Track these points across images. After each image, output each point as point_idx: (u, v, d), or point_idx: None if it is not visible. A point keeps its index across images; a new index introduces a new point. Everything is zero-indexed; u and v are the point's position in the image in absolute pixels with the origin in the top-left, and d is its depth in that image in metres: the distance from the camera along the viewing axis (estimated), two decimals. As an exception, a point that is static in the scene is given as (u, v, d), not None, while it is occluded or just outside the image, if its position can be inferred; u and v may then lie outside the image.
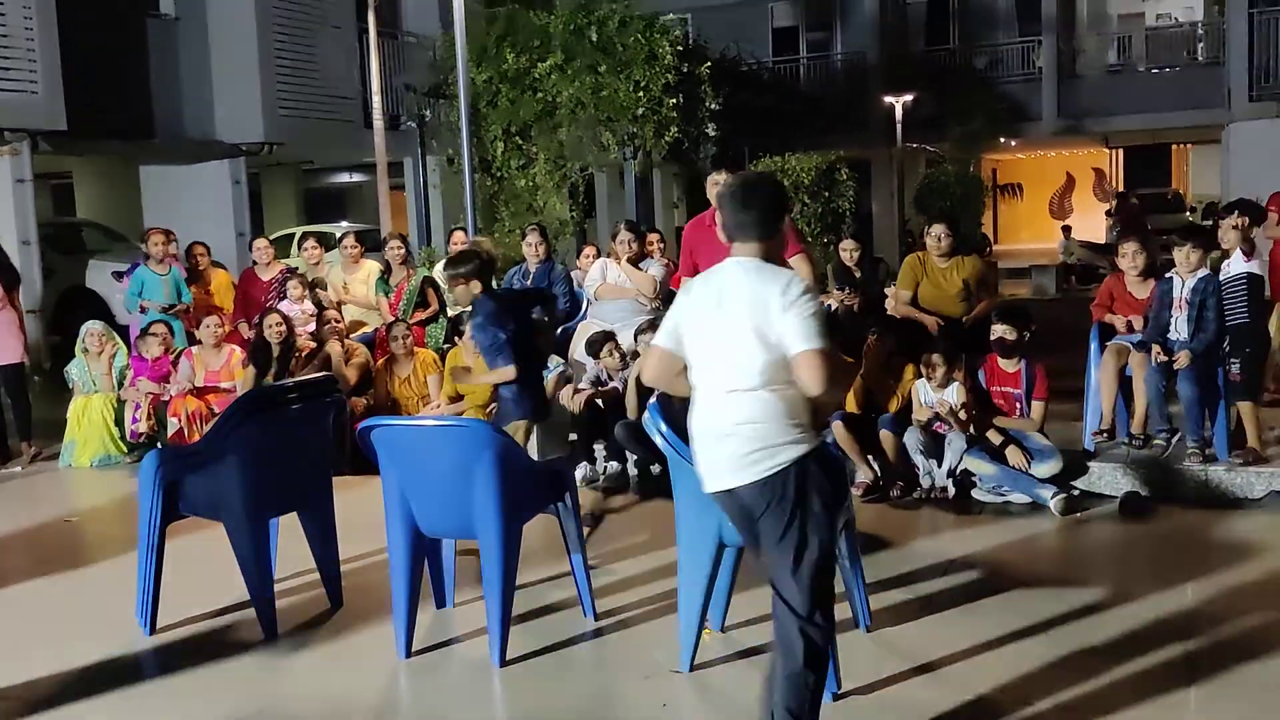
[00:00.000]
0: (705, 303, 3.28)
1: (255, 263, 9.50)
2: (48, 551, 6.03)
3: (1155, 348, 6.27)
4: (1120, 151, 30.50)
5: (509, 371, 5.13)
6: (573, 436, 7.09)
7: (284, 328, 7.83)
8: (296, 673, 4.37)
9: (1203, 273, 6.34)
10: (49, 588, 5.40)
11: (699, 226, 5.67)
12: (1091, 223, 28.77)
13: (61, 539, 6.35)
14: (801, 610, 3.25)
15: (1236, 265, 6.25)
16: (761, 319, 3.14)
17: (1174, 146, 29.97)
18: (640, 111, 10.98)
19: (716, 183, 5.51)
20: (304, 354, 8.02)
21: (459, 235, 9.24)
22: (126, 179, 17.27)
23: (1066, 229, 22.88)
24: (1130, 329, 6.69)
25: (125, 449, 8.01)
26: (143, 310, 9.05)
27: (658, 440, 3.95)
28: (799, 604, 3.25)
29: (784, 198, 3.50)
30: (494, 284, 5.44)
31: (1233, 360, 6.12)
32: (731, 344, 3.19)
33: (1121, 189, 29.24)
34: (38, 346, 12.76)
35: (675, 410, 4.06)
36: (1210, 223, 23.31)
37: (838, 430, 6.38)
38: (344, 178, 27.16)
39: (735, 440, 3.20)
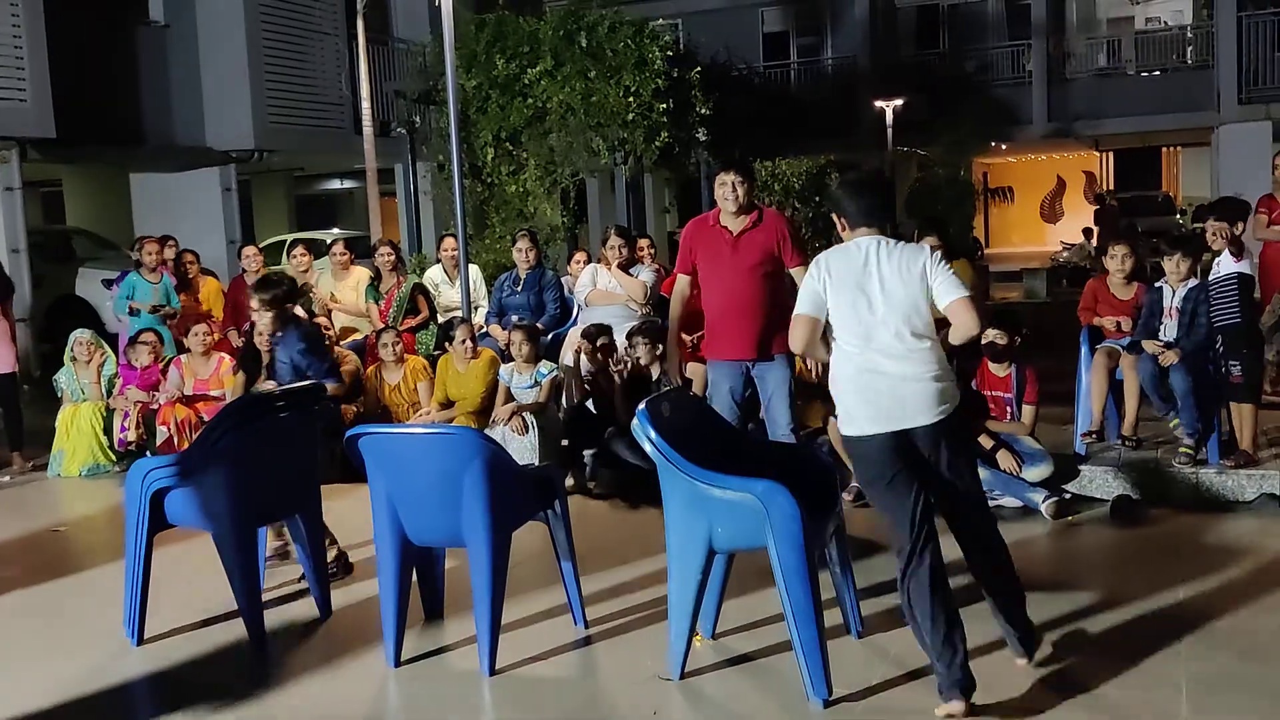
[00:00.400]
0: (856, 271, 3.79)
1: (244, 270, 9.47)
2: (35, 562, 5.99)
3: (1150, 344, 6.26)
4: (1111, 154, 30.61)
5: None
6: (564, 442, 7.08)
7: (271, 335, 7.79)
8: (285, 683, 4.34)
9: (1193, 282, 6.36)
10: (36, 598, 5.37)
11: (702, 225, 5.66)
12: (1082, 226, 28.86)
13: (49, 549, 6.31)
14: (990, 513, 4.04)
15: (1226, 266, 6.25)
16: (919, 281, 3.74)
17: (1164, 149, 30.07)
18: (630, 117, 10.97)
19: (725, 182, 5.49)
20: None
21: (449, 242, 9.23)
22: (117, 187, 17.24)
23: (1088, 231, 22.69)
24: (1120, 329, 6.70)
25: (114, 458, 7.98)
26: (132, 312, 9.01)
27: (647, 447, 3.93)
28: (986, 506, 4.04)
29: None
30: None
31: (1232, 363, 6.11)
32: (903, 302, 3.73)
33: (1111, 191, 29.35)
34: (27, 355, 12.72)
35: (664, 417, 4.06)
36: (1199, 226, 23.44)
37: (832, 433, 6.36)
38: (335, 184, 27.13)
39: (922, 385, 3.71)
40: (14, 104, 12.65)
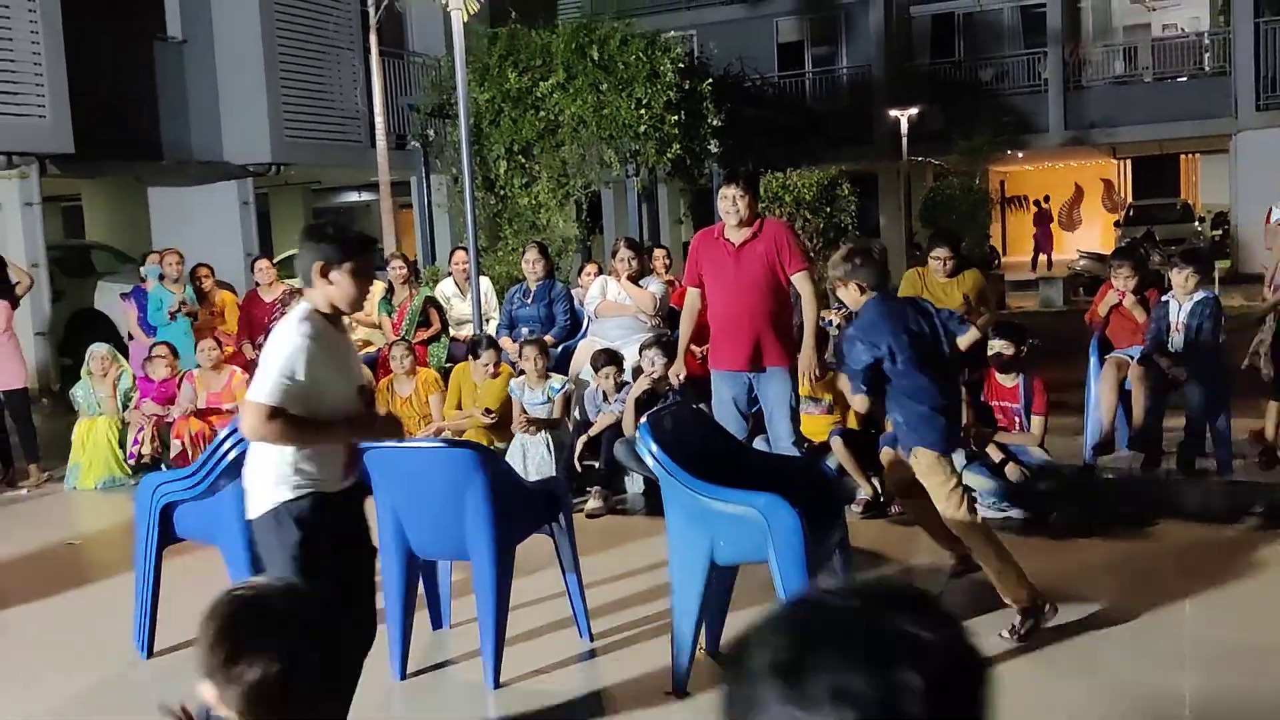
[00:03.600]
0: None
1: (258, 283, 9.55)
2: (48, 574, 6.05)
3: (1162, 358, 6.25)
4: (1128, 162, 30.46)
5: None
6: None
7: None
8: (292, 695, 4.37)
9: (1200, 295, 6.35)
10: (48, 611, 5.42)
11: (707, 238, 5.69)
12: (1102, 234, 28.79)
13: (62, 562, 6.38)
14: None
15: None
16: None
17: (1182, 156, 29.90)
18: (642, 129, 11.00)
19: (726, 196, 5.53)
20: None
21: (460, 255, 9.28)
22: (135, 201, 17.39)
23: (1150, 235, 21.32)
24: (1113, 348, 6.71)
25: (130, 471, 8.04)
26: (172, 317, 9.08)
27: (648, 460, 3.95)
28: None
29: None
30: None
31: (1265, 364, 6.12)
32: None
33: (1130, 200, 29.22)
34: (47, 368, 12.86)
35: (666, 430, 4.07)
36: (1219, 233, 23.17)
37: (837, 446, 6.37)
38: (352, 197, 27.27)
39: None
40: (33, 120, 12.80)
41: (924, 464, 4.40)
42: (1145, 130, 24.07)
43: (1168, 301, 6.51)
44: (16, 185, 13.04)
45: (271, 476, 3.24)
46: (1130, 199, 29.82)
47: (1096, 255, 20.63)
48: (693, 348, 6.30)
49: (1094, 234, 30.56)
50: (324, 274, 3.32)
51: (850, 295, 4.50)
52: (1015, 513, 6.10)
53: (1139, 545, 5.72)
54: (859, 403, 4.58)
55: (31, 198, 13.18)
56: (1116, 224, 26.27)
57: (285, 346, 3.21)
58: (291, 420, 3.18)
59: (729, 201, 5.45)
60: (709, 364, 5.80)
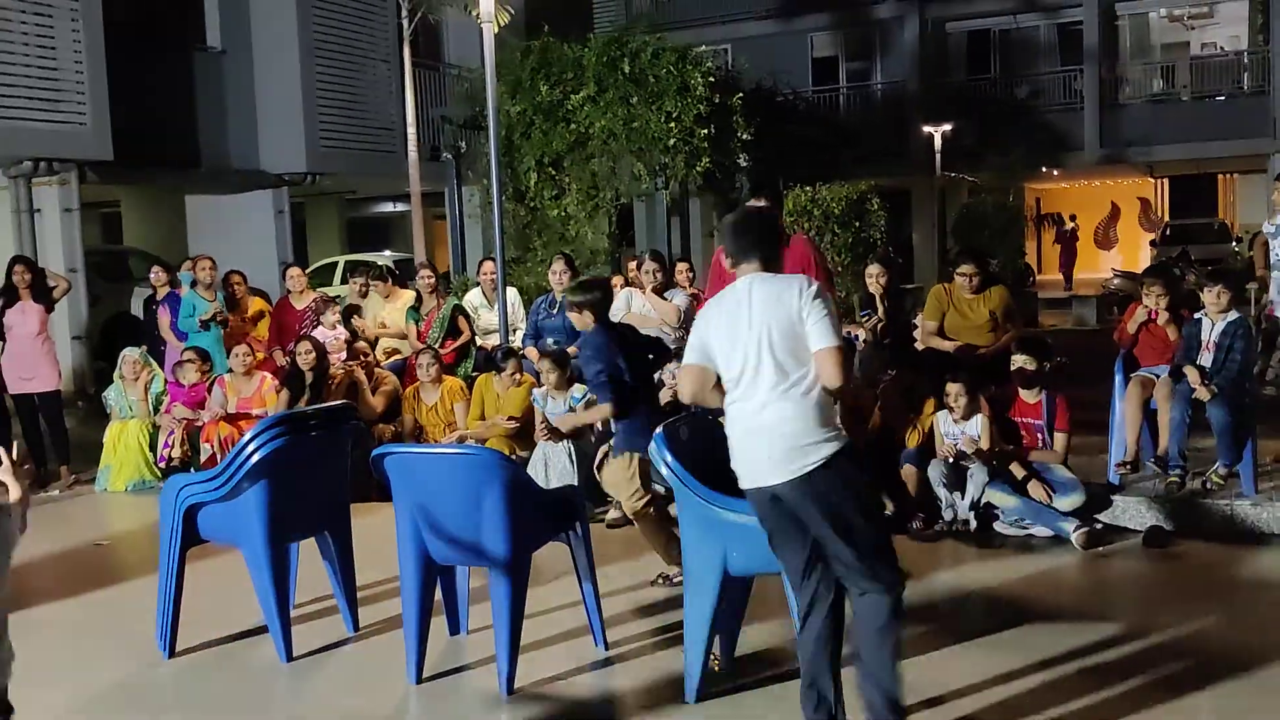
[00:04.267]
0: (728, 316, 3.57)
1: (289, 291, 9.66)
2: (75, 575, 6.15)
3: (1192, 371, 6.19)
4: (1165, 181, 30.21)
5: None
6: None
7: (314, 355, 7.95)
8: (308, 697, 4.43)
9: (1233, 315, 6.30)
10: (73, 610, 5.50)
11: None
12: (1137, 253, 28.56)
13: (89, 562, 6.47)
14: (882, 580, 3.48)
15: None
16: (787, 322, 3.46)
17: (1220, 176, 29.62)
18: (671, 142, 11.04)
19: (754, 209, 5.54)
20: (337, 382, 8.14)
21: (488, 265, 9.34)
22: (173, 208, 17.62)
23: (1185, 254, 20.54)
24: (1138, 366, 6.66)
25: (159, 474, 8.14)
26: (205, 326, 9.19)
27: (663, 470, 3.97)
28: (871, 574, 3.46)
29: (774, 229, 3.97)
30: None
31: None
32: (766, 349, 3.47)
33: (1167, 219, 28.97)
34: (83, 371, 13.04)
35: (682, 440, 4.10)
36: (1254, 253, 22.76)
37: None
38: (387, 207, 27.50)
39: (773, 438, 3.47)
40: (73, 127, 13.01)
41: (630, 465, 5.21)
42: (1183, 149, 23.88)
43: (1200, 320, 6.46)
44: (56, 191, 13.25)
45: None
46: (1167, 218, 29.57)
47: (1130, 274, 20.45)
48: None
49: (1130, 253, 30.30)
50: None
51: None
52: (1037, 530, 6.07)
53: (1161, 564, 5.68)
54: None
55: (71, 204, 13.39)
56: (1153, 243, 26.06)
57: None
58: None
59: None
60: None
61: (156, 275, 10.30)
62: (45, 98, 12.71)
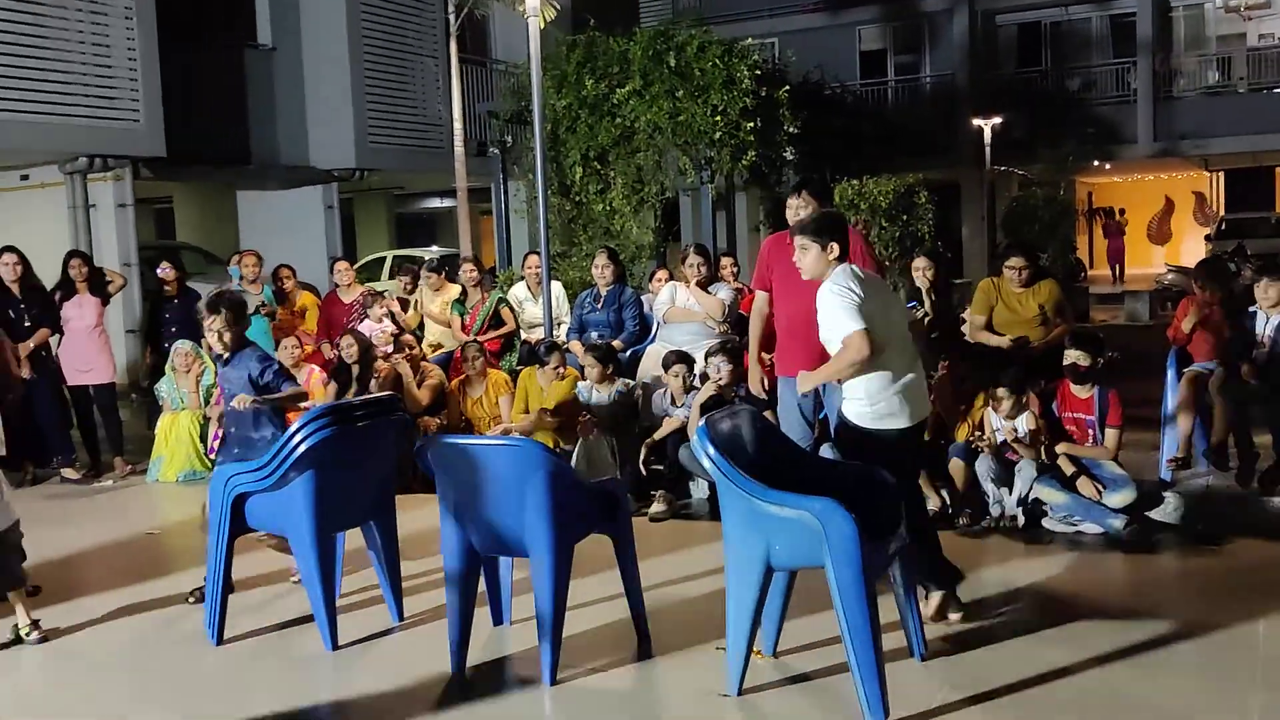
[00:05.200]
0: (877, 289, 4.50)
1: (336, 285, 9.75)
2: (128, 563, 6.25)
3: (1246, 367, 6.10)
4: (1221, 174, 29.67)
5: None
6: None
7: (356, 348, 8.04)
8: (353, 685, 4.47)
9: None
10: (125, 598, 5.57)
11: (779, 243, 5.66)
12: (1190, 248, 28.07)
13: (141, 551, 6.57)
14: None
15: None
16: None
17: (1278, 169, 29.04)
18: (717, 135, 11.00)
19: (791, 206, 5.52)
20: (383, 374, 8.20)
21: (533, 259, 9.37)
22: (224, 204, 17.88)
23: (1241, 248, 20.17)
24: (1190, 360, 6.54)
25: (210, 465, 8.25)
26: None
27: (705, 463, 3.95)
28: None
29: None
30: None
31: None
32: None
33: (1223, 213, 28.44)
34: (137, 365, 13.26)
35: (725, 433, 4.08)
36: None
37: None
38: (434, 203, 27.68)
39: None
40: (127, 124, 13.22)
41: None
42: (1239, 142, 23.46)
43: (1254, 314, 6.35)
44: (111, 187, 13.50)
45: None
46: (1223, 212, 29.03)
47: (1183, 269, 20.11)
48: (762, 355, 6.27)
49: (1186, 247, 29.80)
50: None
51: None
52: (1086, 527, 5.99)
53: (1212, 561, 5.58)
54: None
55: (125, 199, 13.63)
56: (1208, 237, 25.61)
57: None
58: None
59: (793, 211, 5.45)
60: (775, 370, 5.78)
61: (165, 271, 9.67)
62: (100, 95, 12.93)
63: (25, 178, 13.88)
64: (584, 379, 7.53)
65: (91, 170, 13.19)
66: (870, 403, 4.42)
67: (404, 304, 9.66)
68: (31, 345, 8.27)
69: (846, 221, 4.91)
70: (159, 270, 9.71)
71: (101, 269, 9.24)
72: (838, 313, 4.31)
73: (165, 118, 13.47)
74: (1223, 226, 25.66)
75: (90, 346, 8.62)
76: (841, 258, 4.48)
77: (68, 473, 8.43)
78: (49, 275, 8.83)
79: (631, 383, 7.47)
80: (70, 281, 8.71)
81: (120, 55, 13.13)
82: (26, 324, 8.31)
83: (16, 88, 12.08)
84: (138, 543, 6.75)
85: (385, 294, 9.97)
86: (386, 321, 9.02)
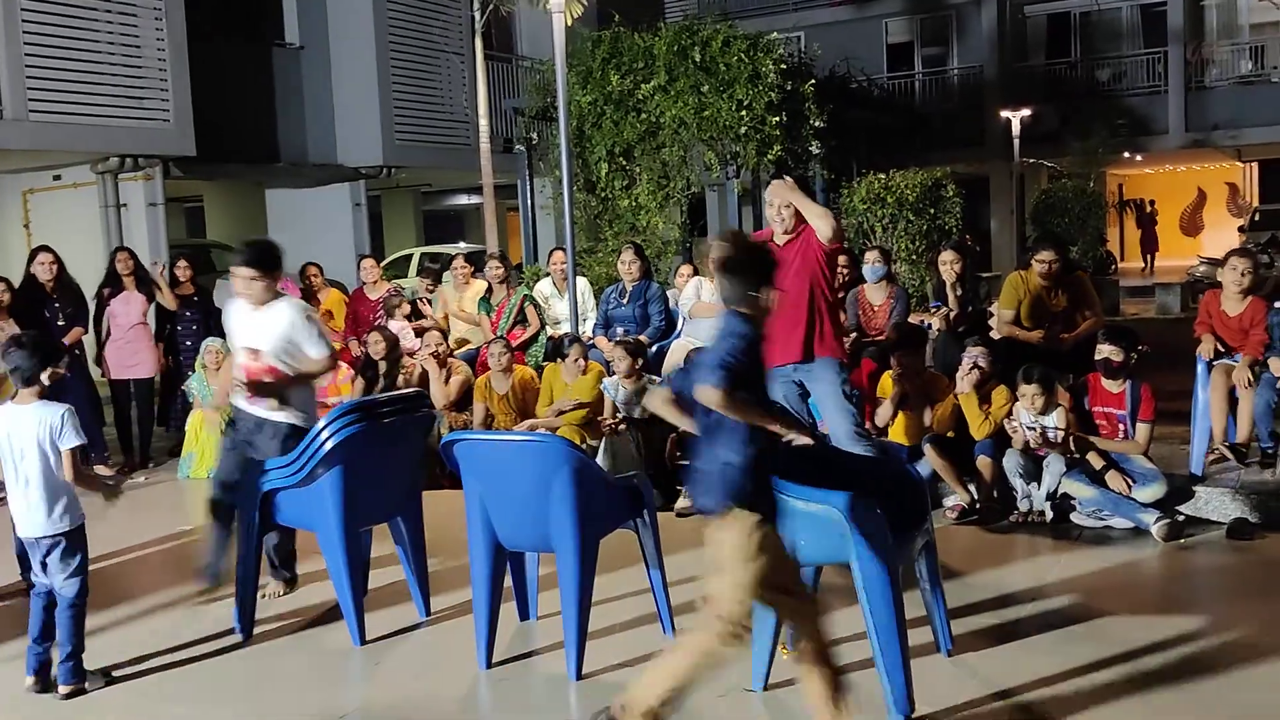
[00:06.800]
0: None
1: (363, 282, 9.81)
2: (159, 559, 6.32)
3: (1275, 360, 6.03)
4: (1254, 165, 29.33)
5: None
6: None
7: (383, 345, 8.08)
8: (380, 679, 4.50)
9: None
10: (156, 592, 5.63)
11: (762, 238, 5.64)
12: (1224, 239, 27.71)
13: (172, 547, 6.64)
14: None
15: None
16: None
17: (1313, 159, 28.67)
18: (743, 130, 10.97)
19: (772, 204, 5.51)
20: (409, 371, 8.25)
21: (558, 255, 9.39)
22: (253, 202, 18.01)
23: (1275, 239, 20.02)
24: (1218, 354, 6.46)
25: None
26: None
27: (730, 458, 3.94)
28: None
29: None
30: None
31: None
32: None
33: (1256, 204, 28.11)
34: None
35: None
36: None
37: (930, 452, 6.28)
38: (462, 200, 27.76)
39: None
40: (158, 124, 13.34)
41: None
42: (1273, 132, 23.17)
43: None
44: (141, 186, 13.63)
45: None
46: (1256, 203, 28.69)
47: (1215, 260, 19.90)
48: None
49: (1219, 239, 29.49)
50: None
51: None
52: (1116, 522, 5.94)
53: (1245, 557, 5.53)
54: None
55: (155, 198, 13.76)
56: (1241, 229, 25.31)
57: None
58: None
59: (774, 210, 5.45)
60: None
61: (182, 270, 9.55)
62: (131, 96, 13.05)
63: (58, 178, 14.04)
64: (610, 374, 7.55)
65: (123, 170, 13.32)
66: None
67: (426, 302, 9.73)
68: (66, 344, 8.36)
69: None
70: (175, 268, 9.74)
71: (148, 272, 9.31)
72: None
73: (195, 117, 13.58)
74: (1256, 217, 25.33)
75: (137, 341, 8.78)
76: None
77: (101, 470, 8.53)
78: (81, 274, 8.93)
79: (661, 381, 7.47)
80: (117, 276, 8.83)
81: (150, 55, 13.25)
82: (61, 322, 8.41)
83: (48, 88, 12.21)
84: (169, 538, 6.81)
85: (405, 294, 10.00)
86: (409, 322, 9.11)
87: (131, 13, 13.05)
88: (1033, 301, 7.02)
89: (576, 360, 7.61)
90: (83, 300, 8.70)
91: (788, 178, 5.64)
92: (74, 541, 4.34)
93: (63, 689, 4.33)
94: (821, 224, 5.34)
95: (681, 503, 6.68)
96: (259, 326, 5.13)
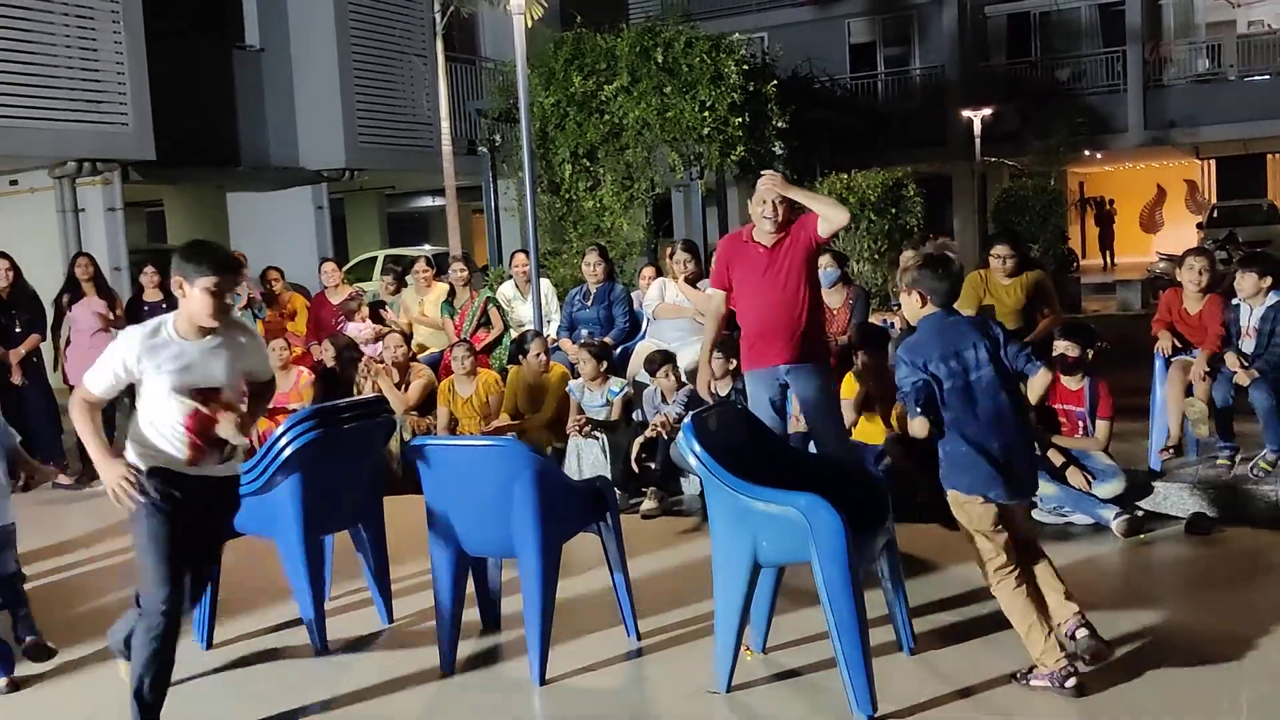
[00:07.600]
0: None
1: (324, 286, 9.74)
2: (110, 568, 6.23)
3: (1231, 356, 6.10)
4: (1212, 162, 29.73)
5: None
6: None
7: (331, 350, 8.09)
8: (343, 687, 4.46)
9: (1273, 299, 6.18)
10: (112, 602, 5.56)
11: (736, 242, 5.61)
12: (1183, 236, 28.07)
13: (124, 556, 6.54)
14: None
15: None
16: None
17: (1269, 156, 29.09)
18: (706, 131, 10.99)
19: (765, 201, 5.47)
20: (373, 372, 8.20)
21: (520, 257, 9.36)
22: (215, 206, 17.85)
23: (1232, 236, 20.17)
24: (1176, 350, 6.54)
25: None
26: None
27: (691, 460, 3.95)
28: None
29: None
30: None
31: None
32: None
33: (1214, 201, 28.51)
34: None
35: (711, 430, 4.08)
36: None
37: (892, 449, 6.31)
38: (426, 202, 27.66)
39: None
40: (116, 127, 13.20)
41: (954, 506, 4.11)
42: (1229, 130, 23.51)
43: (1238, 305, 6.36)
44: (100, 191, 13.48)
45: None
46: (1214, 200, 29.09)
47: (1173, 257, 20.14)
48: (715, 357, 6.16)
49: (1178, 235, 29.87)
50: (179, 288, 3.77)
51: (910, 305, 4.16)
52: (1076, 518, 5.99)
53: (1204, 552, 5.58)
54: (917, 427, 4.03)
55: (114, 203, 13.61)
56: (1200, 225, 25.65)
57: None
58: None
59: (768, 207, 5.36)
60: (744, 367, 5.69)
61: (149, 276, 9.31)
62: (88, 99, 12.90)
63: (14, 183, 13.87)
64: (575, 377, 7.53)
65: (80, 174, 13.18)
66: None
67: (383, 305, 9.66)
68: (23, 351, 8.26)
69: None
70: (142, 275, 9.64)
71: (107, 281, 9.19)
72: None
73: (154, 121, 13.45)
74: (1214, 214, 25.72)
75: (97, 348, 8.60)
76: None
77: (60, 478, 8.40)
78: (38, 281, 8.81)
79: (625, 383, 7.45)
80: (77, 282, 8.70)
81: (108, 58, 13.11)
82: (18, 330, 8.30)
83: (3, 92, 12.04)
84: (123, 546, 6.72)
85: (366, 296, 9.94)
86: (369, 322, 9.06)
87: (88, 15, 12.90)
88: (991, 299, 7.06)
89: (538, 355, 7.59)
90: (40, 307, 8.58)
91: (776, 173, 5.57)
92: None
93: None
94: (834, 211, 5.19)
95: (648, 504, 6.67)
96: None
